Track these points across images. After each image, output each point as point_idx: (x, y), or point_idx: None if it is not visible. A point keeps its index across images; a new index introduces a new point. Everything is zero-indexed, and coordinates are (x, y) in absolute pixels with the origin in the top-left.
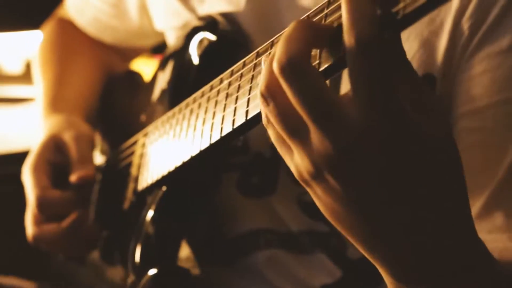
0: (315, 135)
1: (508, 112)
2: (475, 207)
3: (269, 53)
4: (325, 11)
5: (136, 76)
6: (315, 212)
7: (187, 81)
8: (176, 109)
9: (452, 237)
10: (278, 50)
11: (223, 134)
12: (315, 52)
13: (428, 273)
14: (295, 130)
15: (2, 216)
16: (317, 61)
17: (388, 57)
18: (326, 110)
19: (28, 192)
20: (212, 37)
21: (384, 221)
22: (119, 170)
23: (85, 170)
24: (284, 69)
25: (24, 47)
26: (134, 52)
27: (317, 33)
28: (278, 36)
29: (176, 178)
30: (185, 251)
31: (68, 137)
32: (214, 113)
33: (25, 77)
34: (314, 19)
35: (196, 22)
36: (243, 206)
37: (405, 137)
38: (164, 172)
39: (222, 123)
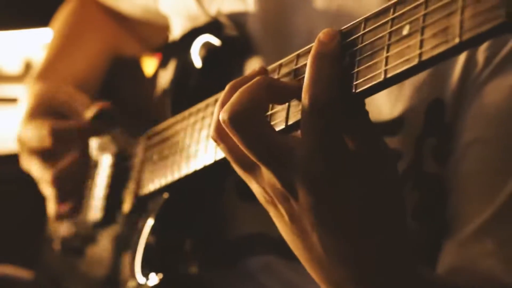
0: (264, 171)
1: (510, 145)
2: (466, 231)
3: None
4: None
5: (136, 69)
6: None
7: (189, 84)
8: (179, 116)
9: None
10: (229, 101)
11: None
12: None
13: None
14: (247, 166)
15: (2, 215)
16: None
17: (341, 119)
18: (270, 154)
19: (33, 137)
20: (216, 42)
21: (318, 245)
22: (120, 169)
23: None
24: (228, 120)
25: (23, 46)
26: (153, 34)
27: (276, 90)
28: (289, 58)
29: (178, 186)
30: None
31: (63, 94)
32: None
33: (25, 76)
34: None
35: (201, 22)
36: (240, 210)
37: (343, 178)
38: (167, 181)
39: None
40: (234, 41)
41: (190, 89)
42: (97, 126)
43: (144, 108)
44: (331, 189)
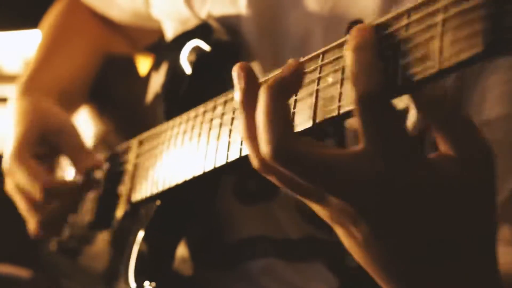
0: (331, 199)
1: None
2: None
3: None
4: (319, 63)
5: (130, 67)
6: (315, 219)
7: (180, 90)
8: (170, 123)
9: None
10: (263, 138)
11: (216, 165)
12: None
13: None
14: (307, 194)
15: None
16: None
17: (394, 110)
18: (334, 182)
19: (24, 184)
20: (206, 47)
21: (397, 264)
22: (113, 173)
23: (91, 158)
24: (274, 158)
25: (23, 46)
26: (143, 36)
27: (285, 95)
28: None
29: (171, 192)
30: (180, 251)
31: (55, 125)
32: (207, 141)
33: None
34: (309, 66)
35: (191, 25)
36: (240, 213)
37: (423, 184)
38: (159, 189)
39: (215, 153)
40: (224, 46)
41: (182, 95)
42: (90, 185)
43: (137, 109)
44: (404, 213)
